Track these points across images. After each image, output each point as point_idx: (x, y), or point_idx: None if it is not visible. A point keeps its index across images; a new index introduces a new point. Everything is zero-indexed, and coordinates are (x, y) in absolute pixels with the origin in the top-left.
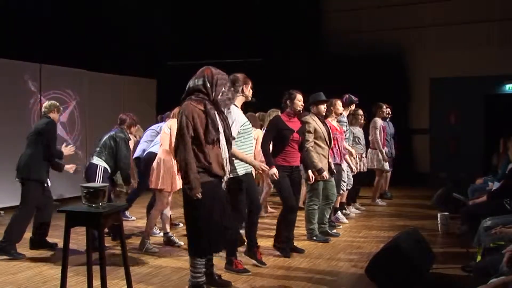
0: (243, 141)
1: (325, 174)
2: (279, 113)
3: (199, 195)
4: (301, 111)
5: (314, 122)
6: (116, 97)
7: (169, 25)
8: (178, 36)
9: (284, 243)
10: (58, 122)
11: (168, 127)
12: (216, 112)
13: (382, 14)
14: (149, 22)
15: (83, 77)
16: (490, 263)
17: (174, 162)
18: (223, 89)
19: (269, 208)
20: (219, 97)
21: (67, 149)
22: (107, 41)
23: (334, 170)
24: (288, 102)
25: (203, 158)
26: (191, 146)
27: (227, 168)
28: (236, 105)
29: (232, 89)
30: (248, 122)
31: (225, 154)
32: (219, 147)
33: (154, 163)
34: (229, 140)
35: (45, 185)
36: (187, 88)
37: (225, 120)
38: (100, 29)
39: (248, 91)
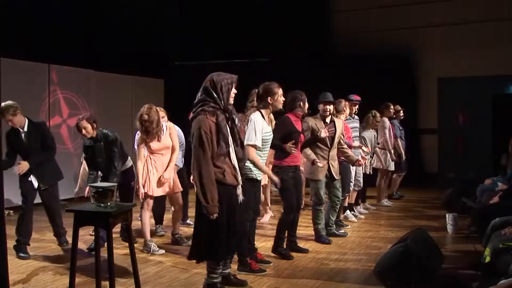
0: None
1: (316, 162)
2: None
3: (215, 216)
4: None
5: (313, 121)
6: (124, 97)
7: (177, 25)
8: (186, 36)
9: (283, 246)
10: (12, 124)
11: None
12: (227, 123)
13: (390, 14)
14: (157, 22)
15: (91, 77)
16: (499, 264)
17: (149, 168)
18: (232, 91)
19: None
20: (231, 101)
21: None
22: (115, 41)
23: (337, 174)
24: (301, 103)
25: (217, 169)
26: None
27: (240, 178)
28: (262, 113)
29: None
30: (269, 133)
31: (235, 165)
32: (230, 159)
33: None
34: (238, 150)
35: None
36: (196, 101)
37: (235, 129)
38: (108, 29)
39: (276, 101)
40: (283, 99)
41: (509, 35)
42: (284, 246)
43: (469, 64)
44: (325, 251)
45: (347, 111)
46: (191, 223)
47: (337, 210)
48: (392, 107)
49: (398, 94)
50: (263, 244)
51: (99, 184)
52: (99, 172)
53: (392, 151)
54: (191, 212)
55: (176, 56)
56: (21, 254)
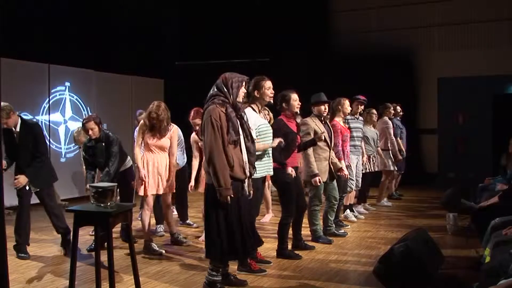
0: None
1: (317, 179)
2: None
3: (229, 198)
4: (298, 112)
5: (313, 123)
6: (124, 97)
7: (177, 25)
8: (186, 36)
9: (286, 249)
10: (6, 126)
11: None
12: (236, 116)
13: (390, 14)
14: (157, 22)
15: (91, 77)
16: (499, 264)
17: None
18: (241, 90)
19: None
20: (241, 99)
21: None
22: (115, 41)
23: (337, 174)
24: (284, 104)
25: (227, 158)
26: None
27: (248, 171)
28: (252, 108)
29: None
30: (266, 125)
31: (245, 157)
32: (240, 150)
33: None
34: (250, 145)
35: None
36: (207, 97)
37: (244, 125)
38: (108, 29)
39: (263, 93)
40: (273, 91)
41: (509, 35)
42: (289, 247)
43: (469, 64)
44: (325, 251)
45: (348, 111)
46: (191, 223)
47: (335, 209)
48: (391, 107)
49: (398, 94)
50: (263, 244)
51: (99, 184)
52: (98, 172)
53: (397, 151)
54: (192, 212)
55: (176, 56)
56: (21, 254)
